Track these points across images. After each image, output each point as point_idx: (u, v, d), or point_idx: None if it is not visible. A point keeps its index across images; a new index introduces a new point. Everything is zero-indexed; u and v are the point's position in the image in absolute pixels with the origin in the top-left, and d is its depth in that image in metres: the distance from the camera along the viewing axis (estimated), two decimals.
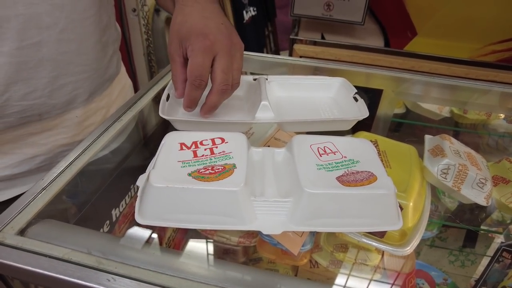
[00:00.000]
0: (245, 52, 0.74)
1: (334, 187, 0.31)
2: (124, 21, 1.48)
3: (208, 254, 0.73)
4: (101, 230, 0.50)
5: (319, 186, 0.31)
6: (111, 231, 0.52)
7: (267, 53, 2.04)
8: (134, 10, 1.49)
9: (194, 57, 0.39)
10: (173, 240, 0.68)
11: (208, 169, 0.32)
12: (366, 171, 0.33)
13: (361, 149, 0.37)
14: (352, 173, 0.33)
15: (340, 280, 0.63)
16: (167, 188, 0.30)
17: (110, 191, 0.51)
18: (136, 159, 0.55)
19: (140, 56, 1.56)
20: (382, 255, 0.58)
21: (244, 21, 1.90)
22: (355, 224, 0.32)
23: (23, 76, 0.44)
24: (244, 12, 1.92)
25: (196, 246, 0.74)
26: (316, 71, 0.71)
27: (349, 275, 0.61)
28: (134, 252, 0.33)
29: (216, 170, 0.32)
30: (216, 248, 0.71)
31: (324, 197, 0.31)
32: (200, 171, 0.32)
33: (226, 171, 0.32)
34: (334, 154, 0.36)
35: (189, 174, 0.31)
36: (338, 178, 0.32)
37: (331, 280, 0.68)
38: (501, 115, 0.79)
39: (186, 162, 0.33)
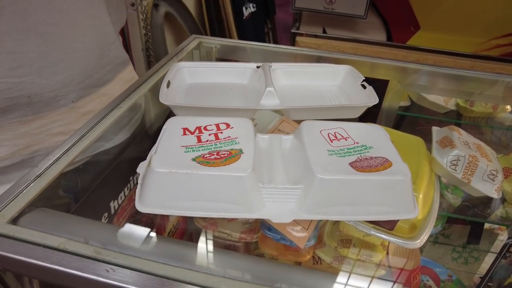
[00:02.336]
0: (247, 42, 0.72)
1: (348, 172, 0.29)
2: None
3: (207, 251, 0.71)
4: None
5: (331, 171, 0.29)
6: (110, 223, 0.50)
7: None
8: (133, 5, 1.47)
9: None
10: (173, 235, 0.66)
11: (214, 154, 0.30)
12: (380, 157, 0.31)
13: (373, 135, 0.35)
14: (366, 158, 0.31)
15: (343, 276, 0.61)
16: (171, 173, 0.28)
17: (109, 183, 0.49)
18: (136, 150, 0.53)
19: (139, 51, 1.54)
20: (387, 251, 0.57)
21: (244, 17, 1.88)
22: (369, 212, 0.30)
23: (6, 47, 0.39)
24: (244, 8, 1.90)
25: (196, 243, 0.72)
26: (320, 61, 0.69)
27: (351, 271, 0.59)
28: (134, 242, 0.31)
29: (222, 156, 0.30)
30: (217, 245, 0.69)
31: (337, 183, 0.29)
32: (205, 156, 0.30)
33: (232, 156, 0.30)
34: (346, 140, 0.34)
35: (194, 159, 0.30)
36: (351, 164, 0.30)
37: (334, 276, 0.66)
38: (508, 107, 0.77)
39: (190, 147, 0.31)
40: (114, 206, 0.49)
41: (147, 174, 0.30)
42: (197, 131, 0.33)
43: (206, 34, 1.81)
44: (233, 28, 1.83)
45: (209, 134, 0.33)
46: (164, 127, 0.34)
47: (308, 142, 0.33)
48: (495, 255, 0.63)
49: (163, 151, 0.31)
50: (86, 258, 0.26)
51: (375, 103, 0.40)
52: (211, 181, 0.28)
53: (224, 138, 0.33)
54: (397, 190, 0.30)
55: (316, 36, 1.11)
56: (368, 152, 0.32)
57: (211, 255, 0.31)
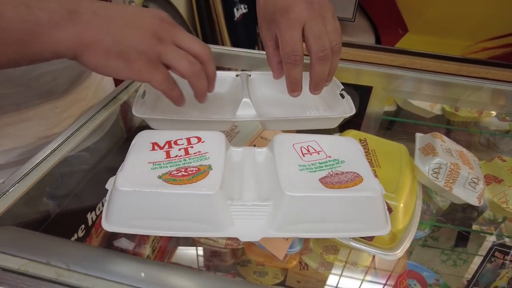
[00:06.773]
0: (231, 49, 0.72)
1: (317, 189, 0.29)
2: None
3: (198, 257, 0.71)
4: (76, 235, 0.47)
5: (300, 188, 0.29)
6: (87, 236, 0.49)
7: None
8: None
9: (282, 36, 0.37)
10: (158, 242, 0.65)
11: (181, 171, 0.30)
12: (351, 172, 0.31)
13: (347, 149, 0.34)
14: (337, 174, 0.31)
15: (330, 282, 0.61)
16: (134, 192, 0.28)
17: (86, 193, 0.48)
18: (115, 159, 0.52)
19: None
20: (373, 256, 0.57)
21: (235, 19, 1.87)
22: (339, 229, 0.30)
23: None
24: (235, 9, 1.89)
25: (183, 249, 0.71)
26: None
27: (340, 276, 0.59)
28: (104, 261, 0.30)
29: (190, 172, 0.30)
30: (203, 251, 0.68)
31: (306, 200, 0.28)
32: (172, 173, 0.30)
33: (200, 173, 0.30)
34: (318, 153, 0.33)
35: (160, 177, 0.29)
36: (321, 180, 0.30)
37: (321, 282, 0.66)
38: (493, 112, 0.77)
39: (158, 163, 0.31)
40: (92, 218, 0.49)
41: (112, 192, 0.29)
42: (166, 146, 0.33)
43: (197, 36, 1.79)
44: (224, 30, 1.82)
45: (179, 149, 0.33)
46: (133, 141, 0.34)
47: (279, 156, 0.32)
48: (483, 257, 0.63)
49: (130, 168, 0.30)
50: (46, 281, 0.25)
51: (352, 114, 0.40)
52: (176, 200, 0.28)
53: (194, 153, 0.32)
54: (367, 206, 0.29)
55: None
56: (340, 166, 0.32)
57: (180, 277, 0.30)
